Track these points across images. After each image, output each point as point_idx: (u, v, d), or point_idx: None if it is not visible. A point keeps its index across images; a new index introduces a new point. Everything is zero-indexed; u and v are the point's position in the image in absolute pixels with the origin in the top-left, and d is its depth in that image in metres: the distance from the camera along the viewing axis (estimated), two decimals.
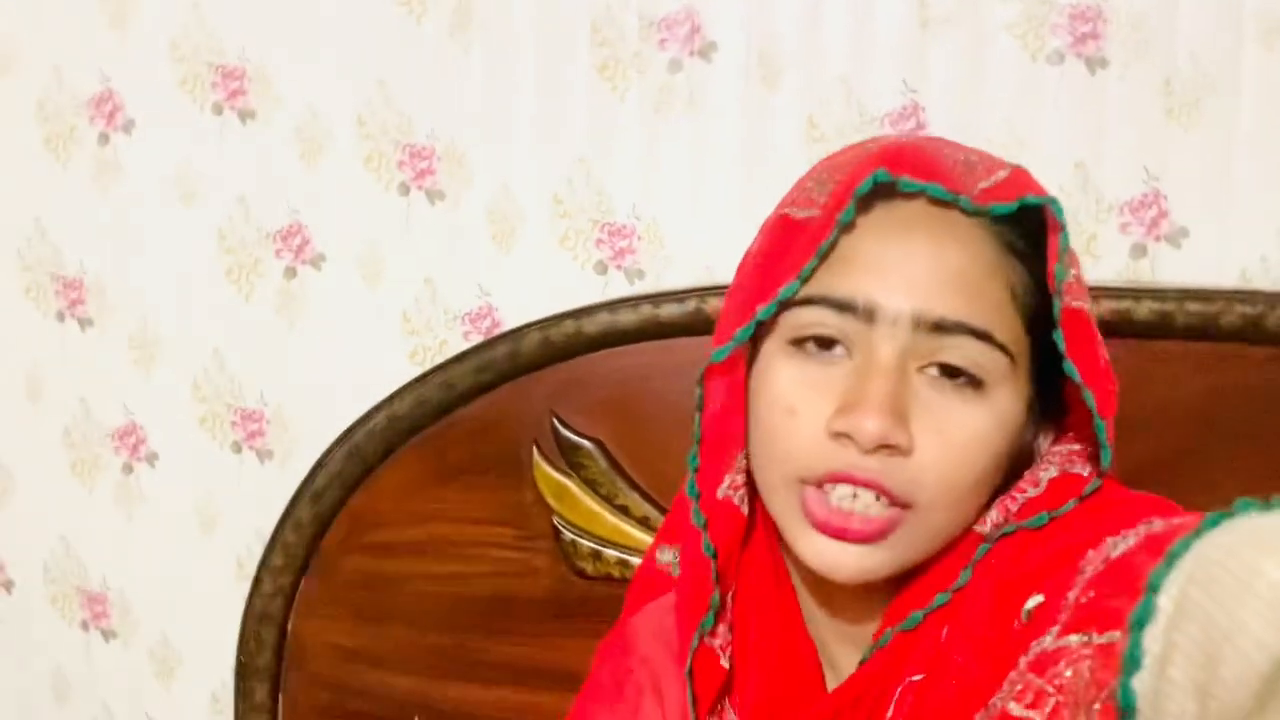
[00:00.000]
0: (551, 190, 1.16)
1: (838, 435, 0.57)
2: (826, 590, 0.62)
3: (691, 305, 1.03)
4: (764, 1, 1.09)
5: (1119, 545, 0.54)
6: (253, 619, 1.19)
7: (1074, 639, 0.51)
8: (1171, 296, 0.94)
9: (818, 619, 0.66)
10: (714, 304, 1.02)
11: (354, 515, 1.15)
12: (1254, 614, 0.42)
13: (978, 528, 0.61)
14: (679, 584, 0.67)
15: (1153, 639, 0.46)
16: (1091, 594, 0.52)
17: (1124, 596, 0.49)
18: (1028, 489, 0.62)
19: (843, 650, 0.65)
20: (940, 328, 0.57)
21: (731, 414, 0.64)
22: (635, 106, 1.13)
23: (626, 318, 1.05)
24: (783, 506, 0.61)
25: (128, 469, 1.33)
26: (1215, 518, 0.48)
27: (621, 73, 1.14)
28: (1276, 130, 0.99)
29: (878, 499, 0.57)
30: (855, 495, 0.57)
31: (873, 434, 0.56)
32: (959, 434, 0.57)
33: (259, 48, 1.22)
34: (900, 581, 0.62)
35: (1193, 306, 0.93)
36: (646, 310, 1.04)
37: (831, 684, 0.65)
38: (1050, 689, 0.52)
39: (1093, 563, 0.54)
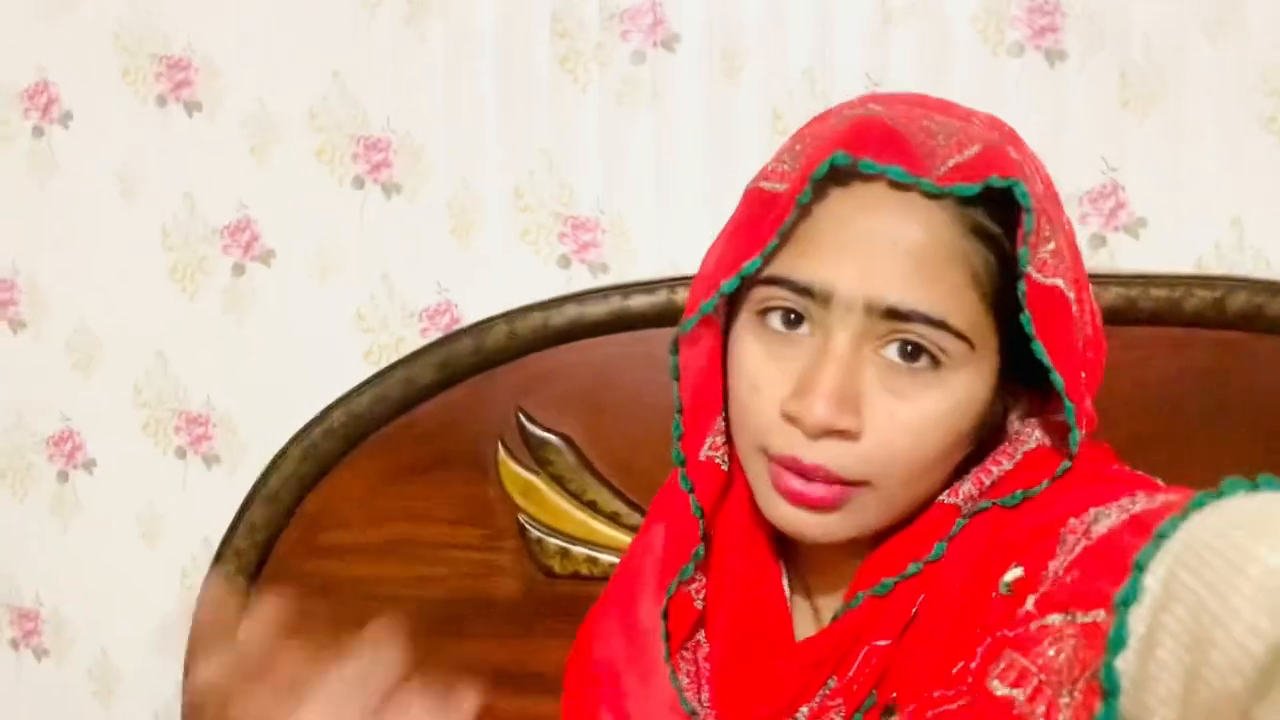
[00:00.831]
0: (513, 183, 1.14)
1: (789, 418, 0.58)
2: (809, 544, 0.63)
3: (662, 296, 1.02)
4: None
5: (1101, 519, 0.53)
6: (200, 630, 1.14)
7: (1057, 618, 0.51)
8: (1135, 282, 0.96)
9: (803, 567, 0.67)
10: (684, 294, 1.01)
11: (310, 518, 1.11)
12: (1245, 599, 0.42)
13: (949, 499, 0.61)
14: (665, 537, 0.68)
15: (1138, 620, 0.46)
16: (1076, 573, 0.52)
17: (1109, 577, 0.48)
18: (1003, 461, 0.62)
19: (827, 600, 0.66)
20: (893, 314, 0.56)
21: (711, 377, 0.65)
22: (597, 98, 1.12)
23: (595, 309, 1.03)
24: (753, 473, 0.62)
25: (63, 477, 1.27)
26: (1203, 498, 0.47)
27: (583, 65, 1.12)
28: (1226, 120, 1.02)
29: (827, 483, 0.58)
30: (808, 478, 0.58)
31: (819, 421, 0.56)
32: (912, 417, 0.57)
33: (206, 37, 1.19)
34: (879, 539, 0.62)
35: (1156, 292, 0.95)
36: (616, 301, 1.03)
37: (809, 629, 0.66)
38: (1033, 668, 0.51)
39: (1075, 532, 0.54)
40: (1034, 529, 0.57)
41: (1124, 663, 0.46)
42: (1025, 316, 0.57)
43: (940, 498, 0.62)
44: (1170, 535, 0.46)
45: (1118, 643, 0.46)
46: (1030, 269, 0.56)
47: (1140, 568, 0.46)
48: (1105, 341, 0.63)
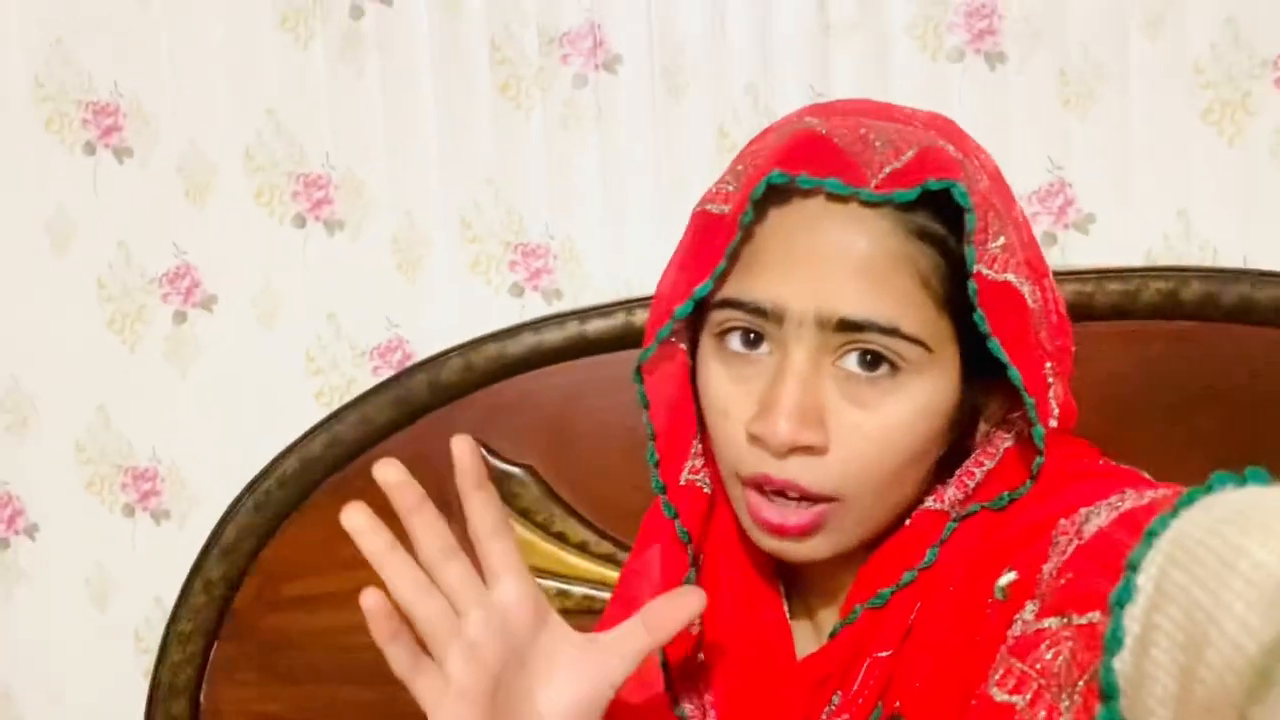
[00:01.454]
0: (459, 214, 1.12)
1: (755, 438, 0.58)
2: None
3: (619, 319, 1.00)
4: (667, 12, 1.09)
5: (1092, 518, 0.53)
6: (159, 694, 1.09)
7: (1053, 621, 0.50)
8: (1090, 278, 0.96)
9: (800, 582, 0.67)
10: (642, 316, 1.00)
11: (268, 569, 1.08)
12: (1237, 595, 0.41)
13: (934, 504, 0.61)
14: (659, 562, 0.67)
15: (1133, 620, 0.45)
16: (1070, 575, 0.51)
17: (1103, 577, 0.48)
18: (985, 461, 0.62)
19: (826, 613, 0.66)
20: (846, 325, 0.56)
21: (682, 401, 0.65)
22: (541, 124, 1.11)
23: (552, 336, 1.01)
24: (733, 499, 0.62)
25: (4, 544, 1.22)
26: (1192, 494, 0.47)
27: (525, 90, 1.11)
28: (1166, 113, 1.03)
29: (799, 499, 0.58)
30: (783, 494, 0.58)
31: (783, 439, 0.56)
32: (876, 426, 0.57)
33: (133, 80, 1.15)
34: (871, 549, 0.62)
35: (1111, 286, 0.95)
36: (573, 327, 1.01)
37: (810, 645, 0.65)
38: (1032, 673, 0.51)
39: (1066, 533, 0.54)
40: (1024, 531, 0.57)
41: (1121, 664, 0.45)
42: (979, 315, 0.57)
43: (925, 503, 0.61)
44: (1161, 533, 0.46)
45: (1114, 644, 0.45)
46: (979, 267, 0.56)
47: (1133, 567, 0.46)
48: (1071, 328, 0.63)
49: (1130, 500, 0.52)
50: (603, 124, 1.10)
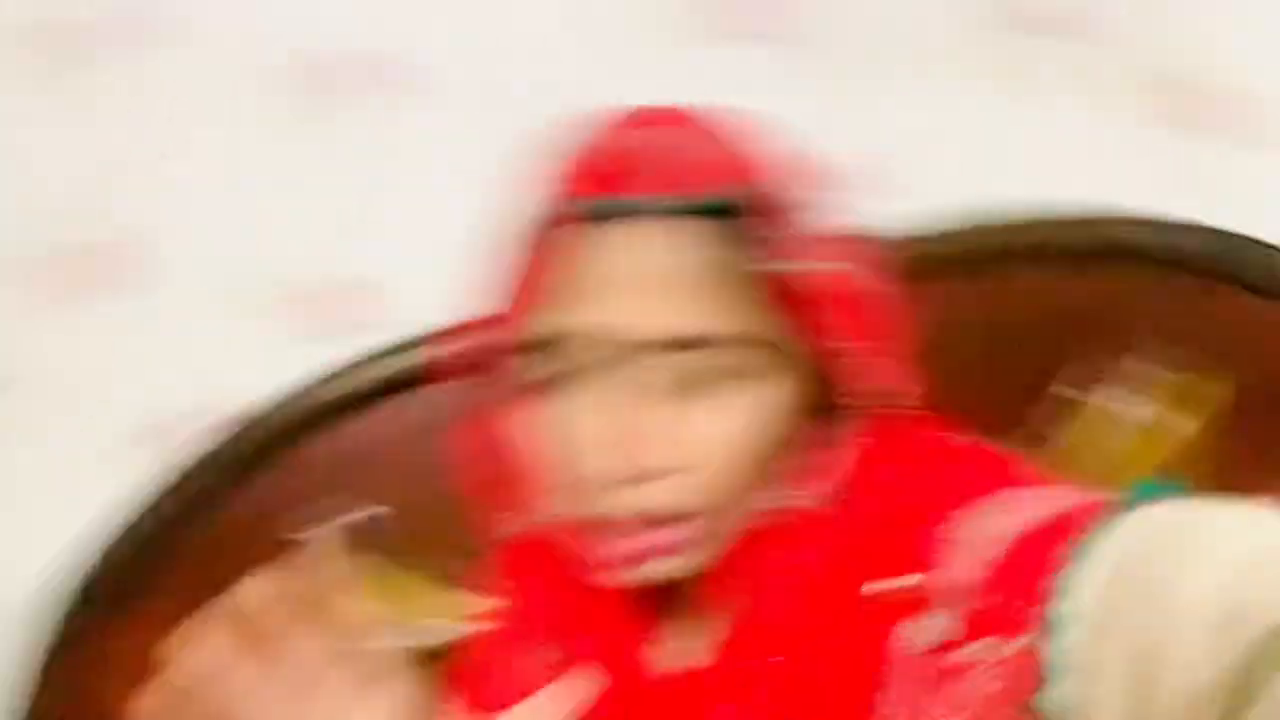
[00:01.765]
0: (254, 263, 1.06)
1: (592, 475, 0.57)
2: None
3: (430, 353, 0.97)
4: (465, 32, 1.06)
5: (986, 521, 0.53)
6: None
7: (980, 647, 0.50)
8: (902, 244, 0.97)
9: (668, 600, 0.65)
10: (452, 349, 0.97)
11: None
12: (1182, 624, 0.41)
13: (791, 502, 0.61)
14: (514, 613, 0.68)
15: (1068, 646, 0.45)
16: (992, 597, 0.50)
17: (1029, 600, 0.48)
18: (836, 451, 0.62)
19: (701, 625, 0.64)
20: (666, 344, 0.56)
21: (507, 446, 0.62)
22: (347, 156, 1.06)
23: (368, 375, 0.98)
24: (580, 540, 0.60)
25: None
26: (1118, 509, 0.47)
27: (327, 119, 1.05)
28: (958, 79, 1.06)
29: (648, 528, 0.57)
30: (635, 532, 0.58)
31: (628, 469, 0.56)
32: (717, 436, 0.57)
33: None
34: (736, 553, 0.61)
35: (922, 249, 0.98)
36: (389, 365, 0.98)
37: (689, 661, 0.64)
38: (963, 703, 0.50)
39: (956, 537, 0.53)
40: (895, 529, 0.57)
41: (1057, 693, 0.45)
42: (798, 307, 0.57)
43: (783, 501, 0.60)
44: (1091, 554, 0.46)
45: (1050, 672, 0.45)
46: (780, 261, 0.57)
47: (1063, 591, 0.46)
48: (895, 304, 0.63)
49: (1029, 506, 0.52)
50: (411, 152, 1.06)
